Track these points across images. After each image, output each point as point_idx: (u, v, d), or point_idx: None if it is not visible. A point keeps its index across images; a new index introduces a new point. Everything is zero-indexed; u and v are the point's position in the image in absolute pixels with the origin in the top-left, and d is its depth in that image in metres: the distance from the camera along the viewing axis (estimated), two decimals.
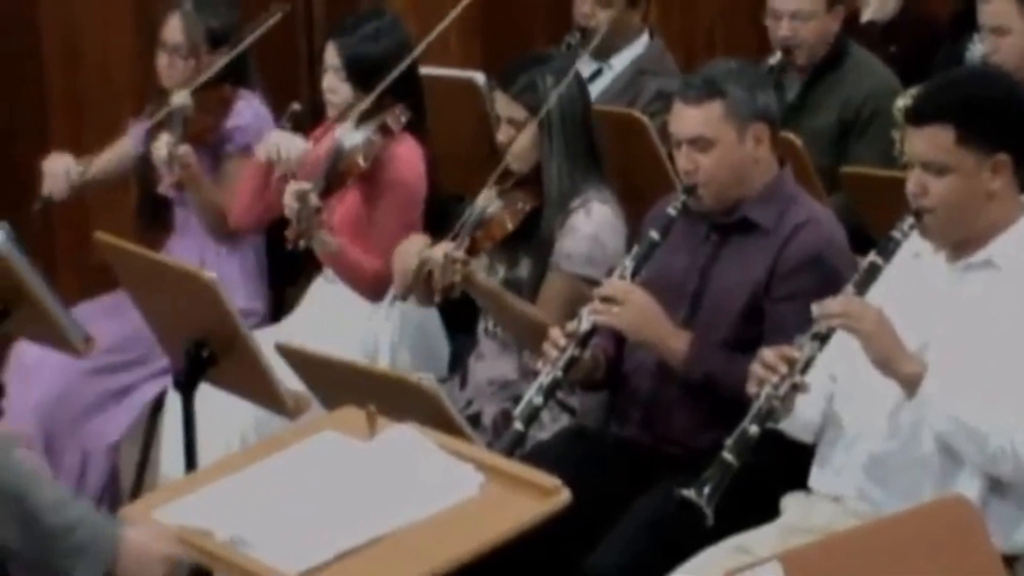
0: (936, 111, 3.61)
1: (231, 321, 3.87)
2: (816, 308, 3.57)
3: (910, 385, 3.51)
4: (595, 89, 5.71)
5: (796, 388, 3.55)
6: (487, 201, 4.50)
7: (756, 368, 3.57)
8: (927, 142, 3.59)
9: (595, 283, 4.13)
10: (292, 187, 4.68)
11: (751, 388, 3.57)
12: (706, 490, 3.51)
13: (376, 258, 4.81)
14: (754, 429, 3.55)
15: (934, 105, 3.64)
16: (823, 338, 3.56)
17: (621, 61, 5.96)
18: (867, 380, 3.64)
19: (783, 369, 3.53)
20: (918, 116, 3.64)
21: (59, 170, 5.27)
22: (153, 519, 3.04)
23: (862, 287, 3.61)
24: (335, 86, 4.98)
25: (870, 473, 3.68)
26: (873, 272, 3.62)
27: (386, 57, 4.88)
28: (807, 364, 3.55)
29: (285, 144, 4.94)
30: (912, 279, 3.70)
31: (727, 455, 3.54)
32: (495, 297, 4.43)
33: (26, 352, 4.98)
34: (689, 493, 3.51)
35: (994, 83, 3.86)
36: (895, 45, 6.10)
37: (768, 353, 3.57)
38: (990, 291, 3.61)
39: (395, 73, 4.74)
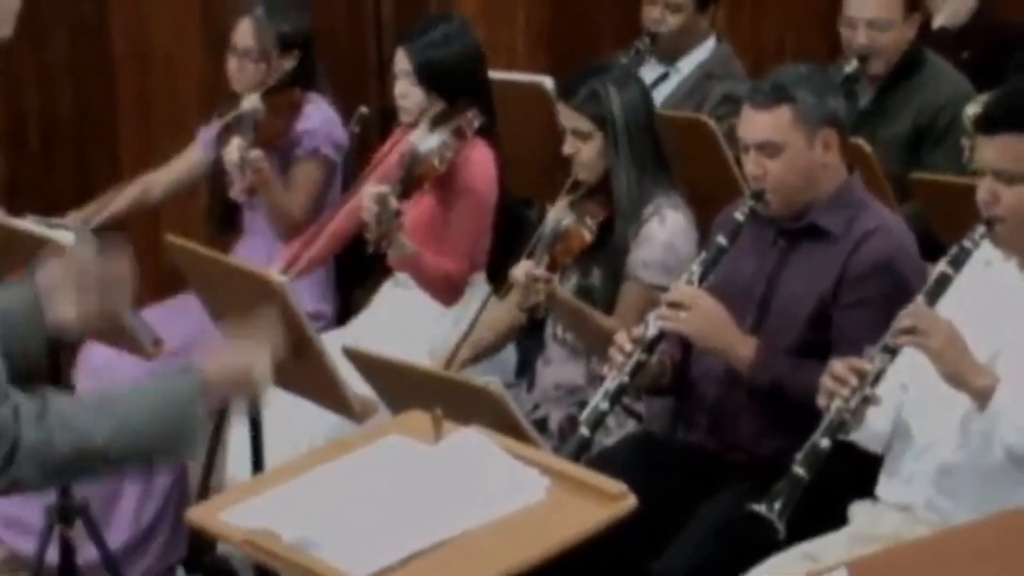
0: (1007, 119, 3.58)
1: (299, 324, 3.88)
2: (887, 334, 3.54)
3: (981, 398, 3.48)
4: (661, 93, 5.72)
5: (867, 401, 3.53)
6: (560, 214, 4.50)
7: (826, 381, 3.55)
8: (998, 150, 3.57)
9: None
10: (371, 190, 4.68)
11: (821, 401, 3.56)
12: (777, 505, 3.50)
13: (450, 261, 4.82)
14: (825, 443, 3.53)
15: (1005, 113, 3.62)
16: (893, 351, 3.55)
17: (688, 65, 5.95)
18: (937, 390, 3.61)
19: (854, 382, 3.52)
20: (989, 124, 3.61)
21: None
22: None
23: (933, 297, 3.58)
24: (407, 91, 4.99)
25: (939, 483, 3.66)
26: (944, 282, 3.59)
27: (456, 61, 4.90)
28: (878, 377, 3.53)
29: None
30: (983, 287, 3.67)
31: (798, 469, 3.53)
32: (576, 312, 4.41)
33: (96, 354, 5.01)
34: (760, 508, 3.50)
35: None
36: (967, 51, 6.07)
37: (839, 366, 3.55)
38: None
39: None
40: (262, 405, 2.92)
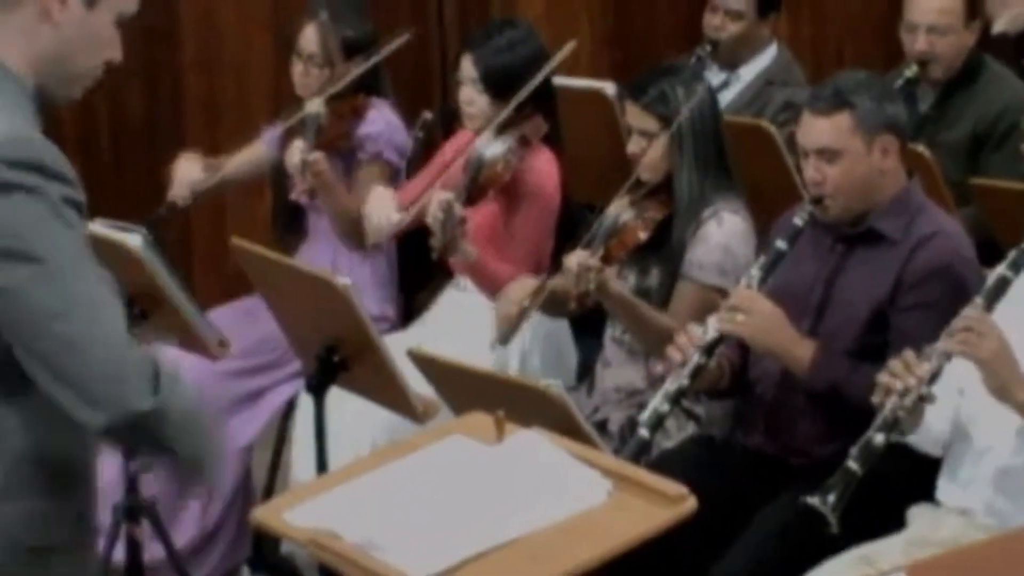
0: None
1: (363, 326, 3.89)
2: (944, 333, 3.53)
3: None
4: (723, 99, 5.69)
5: (923, 399, 3.51)
6: (619, 210, 4.50)
7: (882, 377, 3.54)
8: None
9: (726, 293, 4.11)
10: (437, 196, 4.68)
11: (877, 398, 3.55)
12: (830, 498, 3.49)
13: (513, 266, 4.81)
14: (879, 438, 3.52)
15: None
16: (949, 354, 3.53)
17: (749, 72, 5.95)
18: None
19: (910, 380, 3.50)
20: None
21: (185, 177, 5.32)
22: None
23: (991, 300, 3.57)
24: (472, 97, 4.98)
25: (998, 487, 3.65)
26: (1003, 285, 3.58)
27: (522, 67, 4.88)
28: (934, 376, 3.52)
29: None
30: None
31: (852, 463, 3.52)
32: (628, 305, 4.41)
33: (163, 354, 5.02)
34: (814, 501, 3.50)
35: None
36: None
37: (895, 363, 3.54)
38: None
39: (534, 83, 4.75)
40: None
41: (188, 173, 5.32)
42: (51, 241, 2.57)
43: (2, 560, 2.69)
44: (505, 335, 4.45)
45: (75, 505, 2.81)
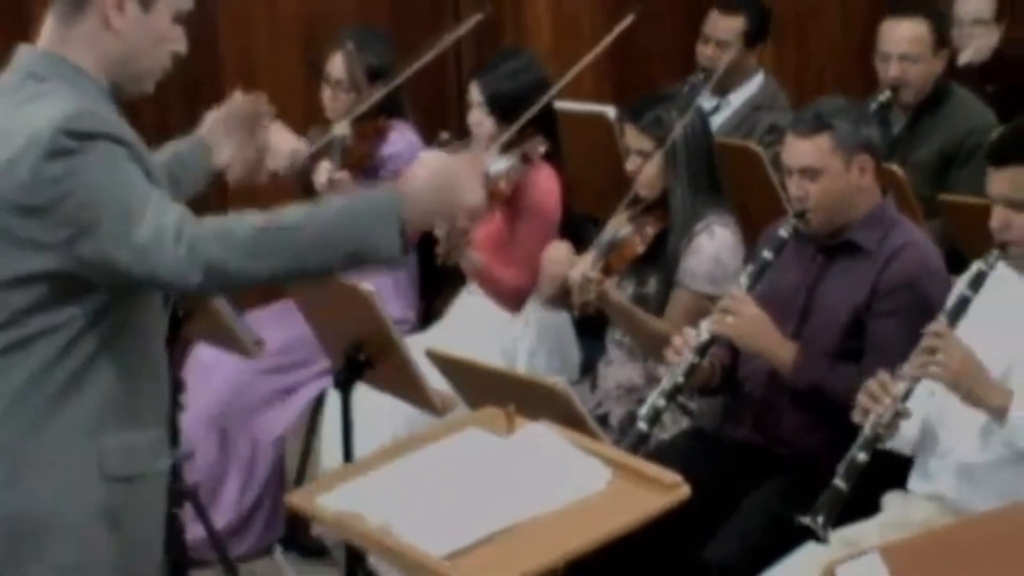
0: (1017, 152, 3.57)
1: (385, 329, 3.89)
2: (912, 355, 3.52)
3: (999, 415, 3.46)
4: (714, 123, 5.69)
5: (899, 415, 3.51)
6: (618, 225, 4.51)
7: (862, 399, 3.53)
8: (1008, 181, 3.56)
9: (716, 300, 4.11)
10: None
11: (857, 418, 3.54)
12: (821, 518, 3.48)
13: (516, 273, 4.82)
14: (862, 456, 3.51)
15: (1013, 147, 3.61)
16: (918, 376, 3.53)
17: (738, 98, 5.95)
18: (959, 402, 3.60)
19: (887, 400, 3.50)
20: (998, 157, 3.61)
21: (285, 148, 5.27)
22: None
23: (954, 318, 3.56)
24: (479, 119, 5.00)
25: (962, 479, 3.64)
26: (964, 304, 3.58)
27: (525, 92, 4.89)
28: (907, 394, 3.51)
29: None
30: (998, 303, 3.64)
31: (839, 482, 3.50)
32: (627, 312, 4.43)
33: (204, 353, 5.03)
34: (806, 520, 3.49)
35: None
36: (992, 85, 6.05)
37: (873, 385, 3.53)
38: None
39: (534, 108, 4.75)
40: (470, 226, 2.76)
41: (287, 145, 5.28)
42: (109, 191, 2.61)
43: (93, 492, 2.72)
44: (554, 295, 4.45)
45: (156, 435, 2.84)
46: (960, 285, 3.63)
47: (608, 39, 4.88)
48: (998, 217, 3.58)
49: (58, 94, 2.68)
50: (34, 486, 2.71)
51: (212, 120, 3.27)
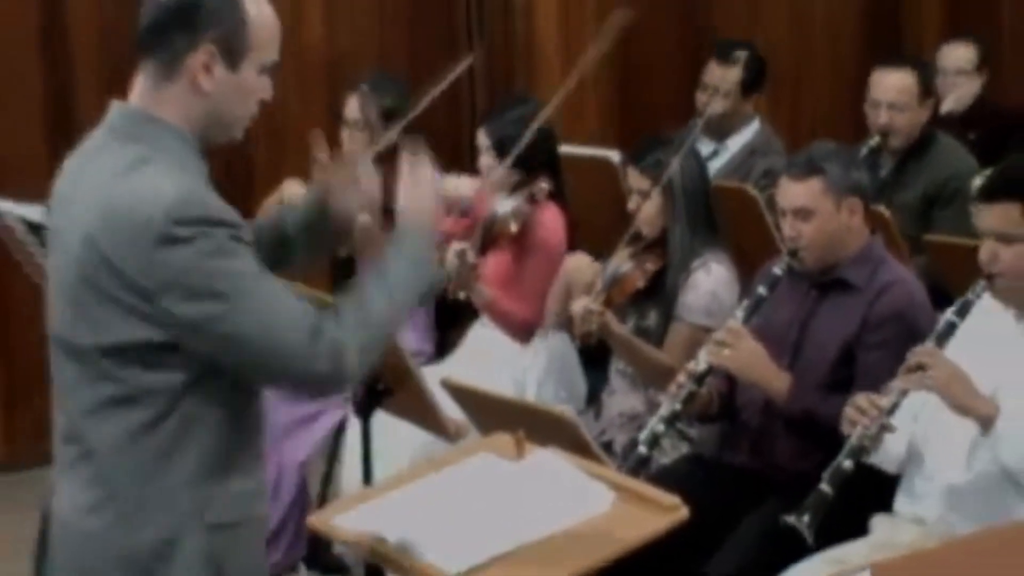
0: (1004, 189, 3.58)
1: (403, 360, 3.89)
2: (900, 370, 3.54)
3: (985, 424, 3.47)
4: (713, 167, 5.71)
5: (884, 429, 3.53)
6: (620, 262, 4.52)
7: (850, 411, 3.55)
8: (997, 216, 3.56)
9: (712, 331, 4.11)
10: (453, 247, 4.73)
11: (845, 428, 3.56)
12: (806, 518, 3.50)
13: (524, 306, 4.83)
14: (848, 464, 3.54)
15: (1002, 184, 3.63)
16: (904, 390, 3.54)
17: (735, 143, 5.96)
18: (945, 424, 3.61)
19: (874, 413, 3.51)
20: (989, 194, 3.62)
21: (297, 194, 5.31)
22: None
23: (941, 340, 3.58)
24: (487, 163, 5.02)
25: (947, 501, 3.63)
26: (951, 328, 3.60)
27: (529, 138, 4.90)
28: (893, 408, 3.53)
29: (458, 185, 4.98)
30: (985, 334, 3.65)
31: (824, 487, 3.54)
32: (627, 342, 4.44)
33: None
34: (791, 520, 3.50)
35: None
36: (973, 132, 6.07)
37: (861, 399, 3.55)
38: None
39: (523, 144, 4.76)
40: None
41: (296, 192, 5.32)
42: (228, 278, 2.60)
43: (197, 538, 2.69)
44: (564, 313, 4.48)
45: (256, 482, 2.82)
46: (947, 312, 3.64)
47: (599, 48, 4.90)
48: (986, 250, 3.59)
49: (160, 166, 2.64)
50: (141, 530, 2.68)
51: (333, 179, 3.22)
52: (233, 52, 2.69)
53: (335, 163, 3.25)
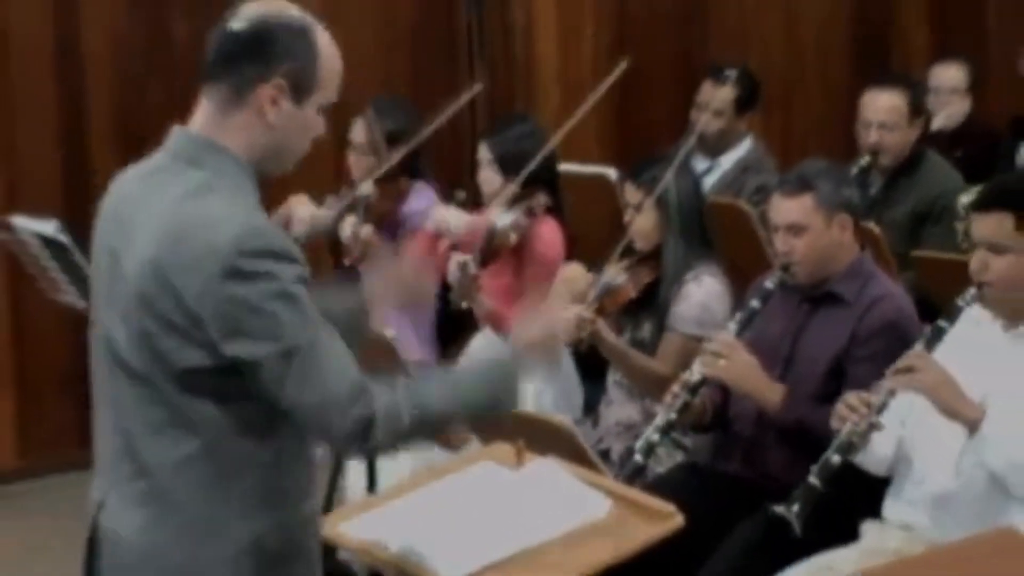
0: (1000, 200, 3.59)
1: (405, 369, 3.89)
2: (889, 373, 3.55)
3: (972, 427, 3.47)
4: (707, 183, 5.71)
5: (872, 427, 3.54)
6: (615, 273, 4.52)
7: (840, 408, 3.56)
8: (991, 226, 3.57)
9: (704, 341, 4.11)
10: (455, 259, 4.75)
11: (834, 424, 3.57)
12: (795, 508, 3.51)
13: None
14: (836, 458, 3.55)
15: (999, 195, 3.64)
16: (894, 389, 3.55)
17: (728, 160, 5.97)
18: (933, 431, 3.61)
19: (863, 410, 3.52)
20: (984, 204, 3.63)
21: (304, 214, 5.31)
22: None
23: (931, 344, 3.59)
24: (488, 177, 5.05)
25: (936, 507, 3.63)
26: (940, 332, 3.60)
27: (528, 153, 4.93)
28: (882, 407, 3.53)
29: (450, 217, 4.99)
30: (974, 343, 3.66)
31: (813, 480, 3.56)
32: (618, 350, 4.44)
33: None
34: (780, 510, 3.51)
35: None
36: (961, 150, 6.08)
37: (851, 396, 3.56)
38: None
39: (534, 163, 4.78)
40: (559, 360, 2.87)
41: (307, 211, 5.32)
42: (286, 319, 2.54)
43: (251, 560, 2.66)
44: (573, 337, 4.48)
45: (309, 510, 2.80)
46: (939, 320, 3.65)
47: (601, 89, 4.92)
48: (977, 259, 3.60)
49: (224, 194, 2.62)
50: (198, 549, 2.64)
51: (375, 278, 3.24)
52: (301, 88, 2.68)
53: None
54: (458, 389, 2.76)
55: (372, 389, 2.62)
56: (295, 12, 2.71)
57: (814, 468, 3.55)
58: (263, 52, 2.65)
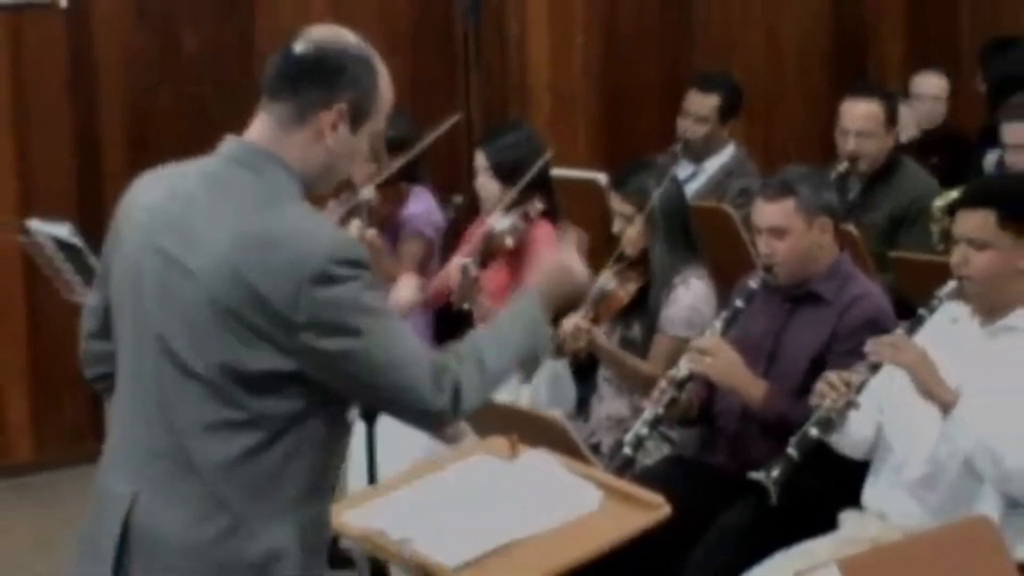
0: (984, 199, 3.61)
1: None
2: (870, 343, 3.56)
3: (946, 409, 3.48)
4: (691, 188, 5.72)
5: (850, 405, 3.55)
6: (606, 280, 4.52)
7: (820, 386, 3.57)
8: (974, 223, 3.58)
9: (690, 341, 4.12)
10: (456, 261, 4.74)
11: (814, 400, 3.58)
12: (773, 473, 3.52)
13: None
14: (814, 432, 3.57)
15: (983, 194, 3.67)
16: (874, 367, 3.57)
17: (712, 165, 5.97)
18: (910, 418, 3.62)
19: (842, 388, 3.53)
20: (969, 201, 3.65)
21: None
22: None
23: (911, 331, 3.61)
24: (485, 183, 5.04)
25: (912, 493, 3.64)
26: (920, 320, 3.63)
27: (524, 160, 4.93)
28: (860, 387, 3.54)
29: (404, 293, 4.99)
30: (951, 339, 3.67)
31: (791, 451, 3.58)
32: (613, 355, 4.44)
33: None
34: (759, 475, 3.52)
35: None
36: (936, 157, 6.09)
37: (831, 375, 3.57)
38: (1013, 348, 3.58)
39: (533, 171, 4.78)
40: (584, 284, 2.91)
41: None
42: (368, 315, 2.58)
43: (296, 555, 2.65)
44: (528, 374, 4.49)
45: (331, 505, 2.78)
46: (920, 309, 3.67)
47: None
48: (959, 254, 3.61)
49: (298, 205, 2.64)
50: (249, 544, 2.62)
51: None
52: (359, 116, 2.69)
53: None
54: (504, 339, 2.78)
55: (451, 363, 2.67)
56: (358, 41, 2.73)
57: (792, 440, 3.56)
58: (331, 80, 2.66)
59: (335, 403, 2.66)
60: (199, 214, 2.62)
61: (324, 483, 2.70)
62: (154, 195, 2.70)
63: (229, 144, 2.70)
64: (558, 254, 2.94)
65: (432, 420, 2.70)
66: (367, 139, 2.74)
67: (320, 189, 2.75)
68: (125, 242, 2.72)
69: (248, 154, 2.66)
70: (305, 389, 2.60)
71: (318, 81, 2.65)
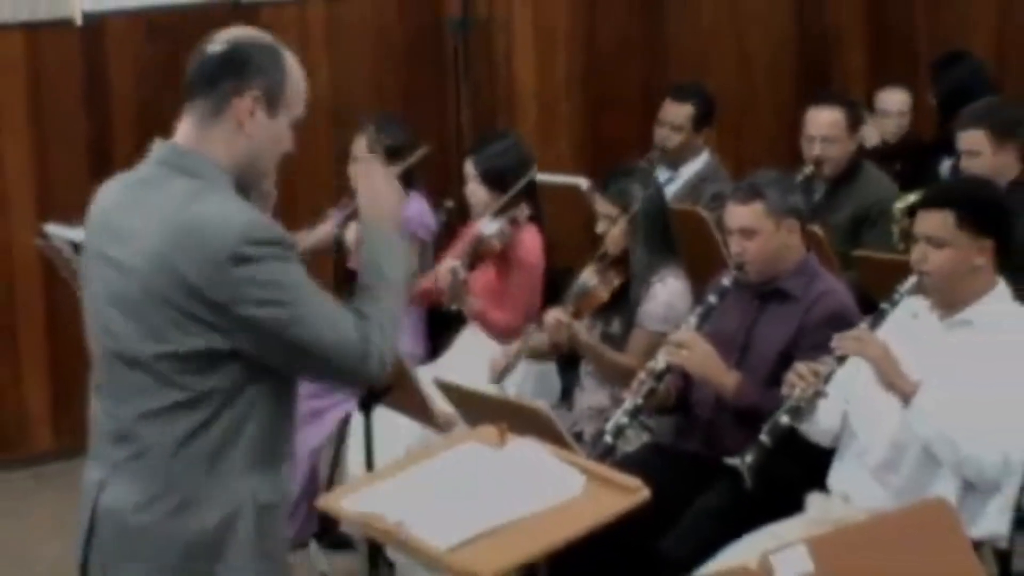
0: (945, 200, 3.62)
1: (400, 361, 3.88)
2: (836, 338, 3.57)
3: (906, 398, 3.49)
4: (668, 192, 5.69)
5: (818, 394, 3.56)
6: (588, 277, 4.51)
7: (790, 376, 3.59)
8: (934, 222, 3.60)
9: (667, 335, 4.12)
10: (446, 263, 4.73)
11: (785, 390, 3.59)
12: (748, 459, 3.55)
13: (508, 315, 4.83)
14: (784, 419, 3.59)
15: (944, 195, 3.69)
16: (841, 359, 3.57)
17: (687, 171, 5.97)
18: (873, 408, 3.62)
19: (811, 378, 3.54)
20: (930, 202, 3.66)
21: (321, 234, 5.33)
22: None
23: (874, 325, 3.62)
24: (474, 190, 5.03)
25: (875, 476, 3.65)
26: (882, 314, 3.65)
27: (511, 167, 4.93)
28: (828, 377, 3.55)
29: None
30: (912, 332, 3.68)
31: (763, 437, 3.60)
32: (593, 349, 4.43)
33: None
34: (734, 461, 3.53)
35: (990, 188, 3.95)
36: (898, 163, 6.12)
37: (800, 365, 3.59)
38: (969, 341, 3.58)
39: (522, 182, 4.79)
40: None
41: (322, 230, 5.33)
42: (289, 289, 2.61)
43: (250, 518, 2.68)
44: (497, 378, 4.51)
45: (288, 466, 2.80)
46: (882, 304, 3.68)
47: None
48: (919, 251, 3.63)
49: (220, 194, 2.67)
50: (204, 516, 2.66)
51: None
52: (273, 101, 2.72)
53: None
54: (386, 278, 2.78)
55: (365, 326, 2.69)
56: (264, 36, 2.76)
57: (764, 427, 3.57)
58: (239, 69, 2.70)
59: (274, 374, 2.69)
60: (132, 214, 2.69)
61: (275, 451, 2.73)
62: (103, 202, 2.80)
63: (158, 148, 2.76)
64: (365, 179, 2.94)
65: (362, 382, 2.80)
66: (288, 125, 2.76)
67: (251, 180, 2.77)
68: (85, 246, 2.81)
69: (174, 155, 2.72)
70: (243, 363, 2.64)
71: (229, 73, 2.70)
